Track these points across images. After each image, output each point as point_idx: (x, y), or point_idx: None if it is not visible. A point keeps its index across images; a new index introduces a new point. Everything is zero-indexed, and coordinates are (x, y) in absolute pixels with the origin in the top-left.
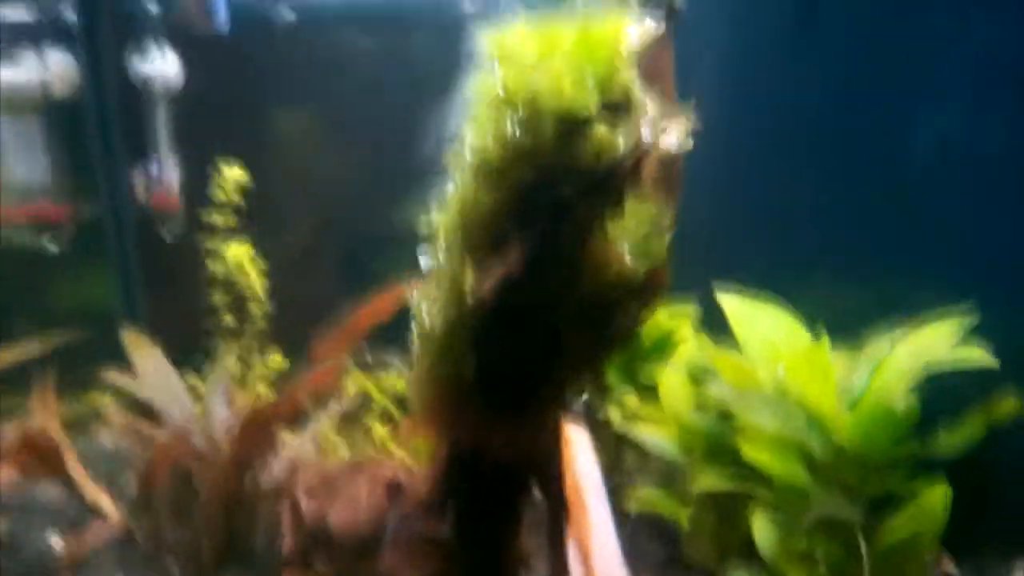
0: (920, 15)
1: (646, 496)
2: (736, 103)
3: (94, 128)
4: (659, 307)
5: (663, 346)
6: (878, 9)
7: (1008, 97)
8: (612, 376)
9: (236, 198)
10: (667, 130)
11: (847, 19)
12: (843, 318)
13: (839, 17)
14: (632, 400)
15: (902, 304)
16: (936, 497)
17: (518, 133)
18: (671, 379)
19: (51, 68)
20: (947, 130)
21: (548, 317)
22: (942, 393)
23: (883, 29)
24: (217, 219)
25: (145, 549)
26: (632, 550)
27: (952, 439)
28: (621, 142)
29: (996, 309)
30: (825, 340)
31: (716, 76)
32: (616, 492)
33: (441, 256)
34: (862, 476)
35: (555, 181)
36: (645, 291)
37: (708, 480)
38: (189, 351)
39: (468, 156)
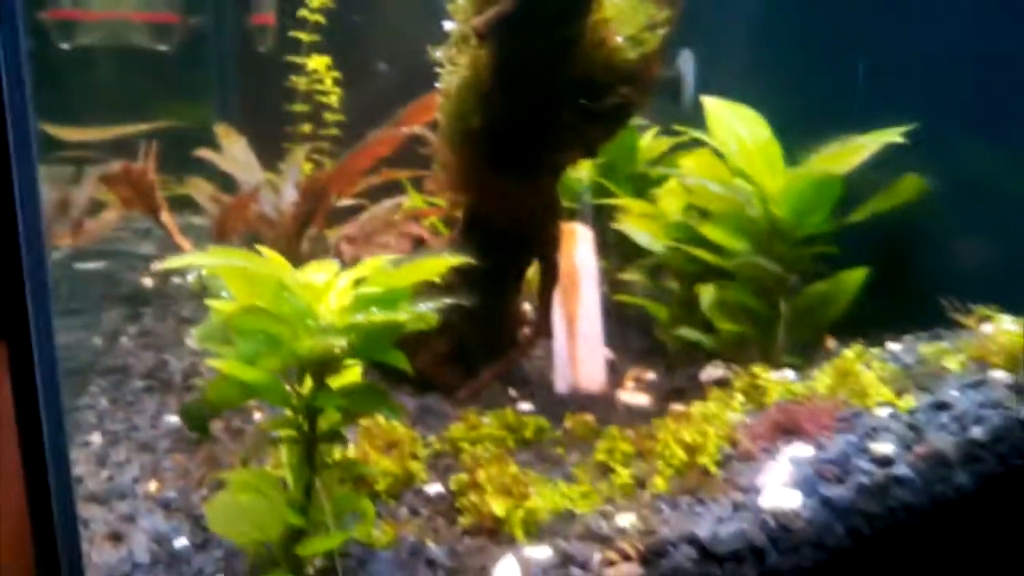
0: None
1: (629, 279)
2: None
3: None
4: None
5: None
6: None
7: None
8: (622, 191)
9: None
10: None
11: None
12: None
13: None
14: (635, 204)
15: None
16: (854, 275)
17: None
18: (668, 186)
19: None
20: None
21: (544, 82)
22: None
23: None
24: (303, 36)
25: None
26: (618, 334)
27: (861, 213)
28: None
29: None
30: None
31: None
32: (610, 285)
33: (458, 17)
34: (790, 245)
35: None
36: (636, 77)
37: (673, 258)
38: (272, 149)
39: None
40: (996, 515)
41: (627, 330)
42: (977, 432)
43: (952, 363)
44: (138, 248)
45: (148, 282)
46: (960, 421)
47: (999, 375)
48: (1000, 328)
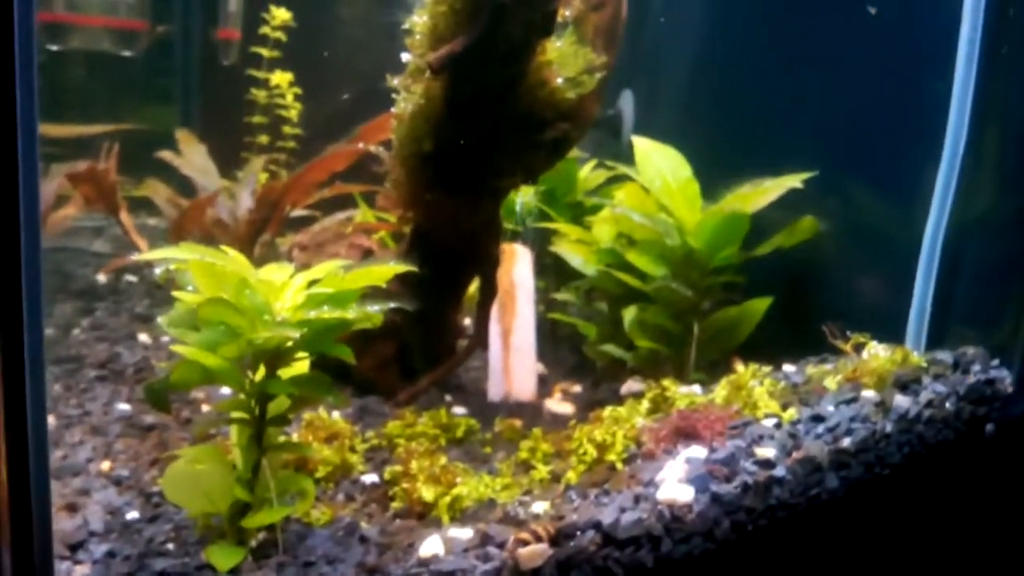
0: None
1: (564, 299)
2: None
3: None
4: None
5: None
6: None
7: None
8: (561, 217)
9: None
10: None
11: None
12: None
13: None
14: (572, 230)
15: None
16: (759, 304)
17: None
18: (602, 215)
19: None
20: None
21: (490, 114)
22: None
23: None
24: (264, 52)
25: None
26: (550, 349)
27: (765, 248)
28: None
29: None
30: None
31: None
32: (546, 304)
33: (415, 51)
34: (703, 273)
35: None
36: (574, 114)
37: (603, 280)
38: (231, 157)
39: None
40: (861, 515)
41: (559, 346)
42: (846, 442)
43: (831, 383)
44: (90, 246)
45: (101, 278)
46: (833, 432)
47: (868, 394)
48: (872, 354)
